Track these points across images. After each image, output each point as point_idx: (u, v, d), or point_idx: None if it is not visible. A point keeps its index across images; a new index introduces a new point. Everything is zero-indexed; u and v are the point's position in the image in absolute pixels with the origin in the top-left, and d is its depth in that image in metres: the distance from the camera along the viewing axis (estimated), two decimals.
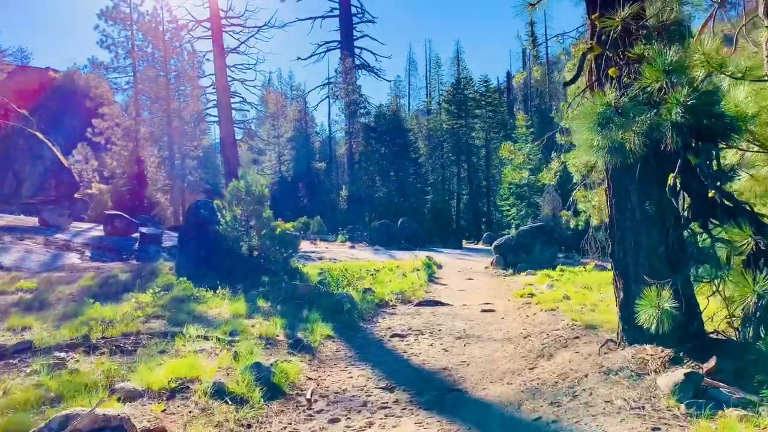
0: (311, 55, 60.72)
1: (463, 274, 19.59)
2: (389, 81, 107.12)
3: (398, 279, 15.54)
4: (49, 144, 38.13)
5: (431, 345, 7.56)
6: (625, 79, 4.66)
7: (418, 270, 17.97)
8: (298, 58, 65.09)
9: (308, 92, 74.28)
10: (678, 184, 4.46)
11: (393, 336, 8.25)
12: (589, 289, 11.01)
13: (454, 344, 7.57)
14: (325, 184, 55.95)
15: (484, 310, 10.45)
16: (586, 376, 4.80)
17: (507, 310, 10.40)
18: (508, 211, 40.19)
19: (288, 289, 10.76)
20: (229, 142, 39.95)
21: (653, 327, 4.24)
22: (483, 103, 52.07)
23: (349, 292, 11.23)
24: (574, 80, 6.01)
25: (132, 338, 7.26)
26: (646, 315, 4.28)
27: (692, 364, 4.38)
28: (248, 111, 61.50)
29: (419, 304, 11.78)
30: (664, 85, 4.16)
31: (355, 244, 31.16)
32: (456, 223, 47.89)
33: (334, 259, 21.83)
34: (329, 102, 59.98)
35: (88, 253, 18.90)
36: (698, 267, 4.62)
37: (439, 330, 8.63)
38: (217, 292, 10.88)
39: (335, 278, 11.51)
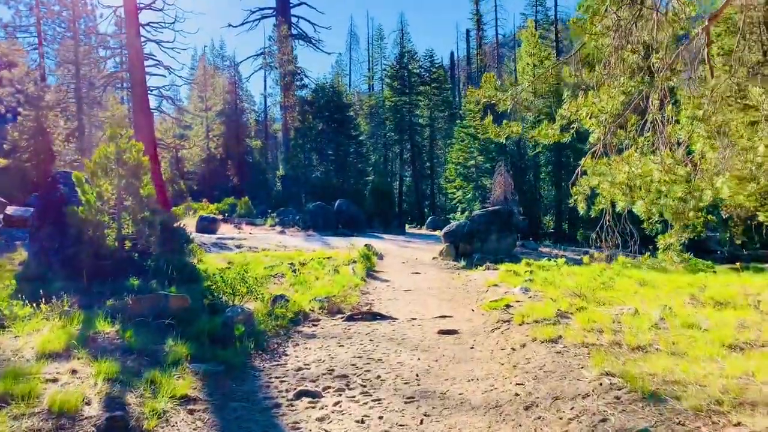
0: (243, 23, 55.33)
1: (408, 266, 16.48)
2: (329, 54, 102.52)
3: (328, 276, 12.21)
4: None
5: (362, 422, 4.27)
6: None
7: (355, 262, 14.69)
8: (229, 26, 59.20)
9: (240, 62, 68.73)
10: None
11: (301, 394, 4.91)
12: (583, 299, 8.05)
13: (402, 417, 4.33)
14: (260, 162, 51.54)
15: (442, 331, 7.28)
16: None
17: (476, 330, 7.27)
18: (454, 193, 37.48)
19: (154, 303, 7.18)
20: (142, 108, 34.93)
21: None
22: (428, 79, 48.97)
23: (247, 305, 7.79)
24: None
25: None
26: None
27: None
28: (165, 76, 55.92)
29: (351, 317, 8.51)
30: None
31: (285, 228, 27.46)
32: (398, 206, 44.86)
33: (255, 247, 18.17)
34: (265, 74, 55.22)
35: None
36: None
37: (378, 377, 5.37)
38: (44, 306, 7.13)
39: (228, 282, 7.99)
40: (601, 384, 4.19)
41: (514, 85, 5.20)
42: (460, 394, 4.76)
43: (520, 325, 6.73)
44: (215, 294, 8.01)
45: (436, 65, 51.53)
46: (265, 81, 59.34)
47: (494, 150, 35.77)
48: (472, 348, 6.39)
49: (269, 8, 55.82)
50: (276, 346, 6.69)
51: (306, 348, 6.67)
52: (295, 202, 38.82)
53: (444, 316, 8.41)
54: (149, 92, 41.60)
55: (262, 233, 25.08)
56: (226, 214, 32.89)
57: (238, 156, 48.20)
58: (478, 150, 35.76)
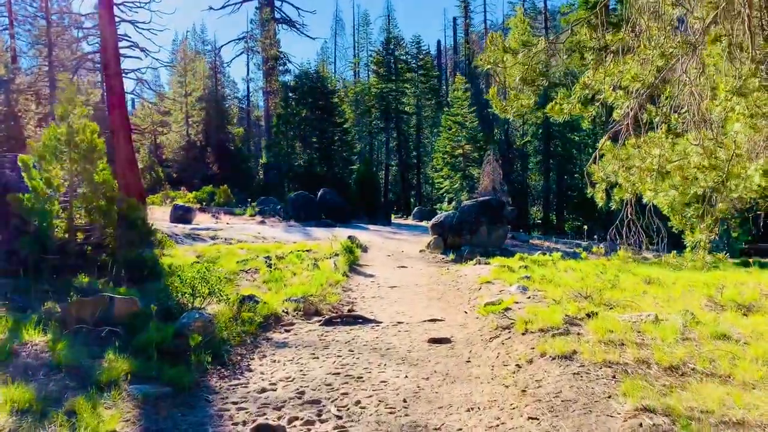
0: (225, 5, 53.42)
1: (393, 259, 15.55)
2: (313, 39, 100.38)
3: (307, 271, 11.23)
4: None
5: None
6: None
7: (337, 255, 13.72)
8: (210, 8, 56.98)
9: (221, 46, 66.78)
10: None
11: (259, 430, 3.93)
12: (590, 300, 7.17)
13: None
14: (242, 150, 50.03)
15: (433, 340, 6.35)
16: None
17: (471, 339, 6.35)
18: (441, 183, 36.58)
19: (96, 307, 6.14)
20: (114, 91, 33.41)
21: None
22: (414, 66, 47.81)
23: (210, 307, 6.79)
24: None
25: None
26: None
27: None
28: (141, 58, 54.03)
29: (330, 321, 7.56)
30: None
31: (266, 218, 26.36)
32: (384, 196, 43.82)
33: (230, 239, 17.10)
34: (247, 59, 53.60)
35: None
36: None
37: (357, 403, 4.42)
38: None
39: (187, 281, 6.97)
40: (641, 425, 3.28)
41: (530, 45, 4.24)
42: (458, 429, 3.83)
43: (523, 333, 5.81)
44: (172, 296, 6.98)
45: (423, 52, 50.36)
46: (247, 66, 57.85)
47: (482, 139, 34.91)
48: (468, 362, 5.46)
49: None
50: (239, 358, 5.71)
51: (274, 361, 5.69)
52: (277, 191, 37.64)
53: (434, 320, 7.49)
54: (124, 75, 39.93)
55: (241, 223, 23.96)
56: (204, 203, 31.61)
57: (219, 143, 46.68)
58: (466, 139, 34.86)
